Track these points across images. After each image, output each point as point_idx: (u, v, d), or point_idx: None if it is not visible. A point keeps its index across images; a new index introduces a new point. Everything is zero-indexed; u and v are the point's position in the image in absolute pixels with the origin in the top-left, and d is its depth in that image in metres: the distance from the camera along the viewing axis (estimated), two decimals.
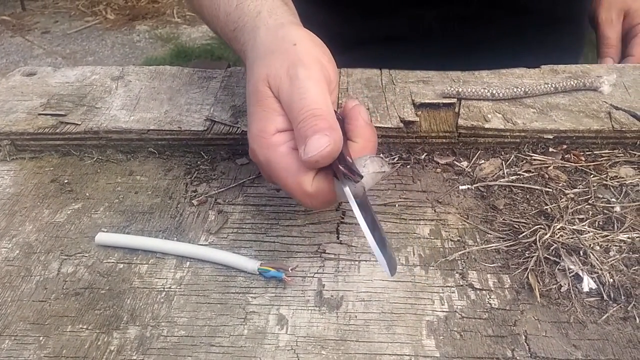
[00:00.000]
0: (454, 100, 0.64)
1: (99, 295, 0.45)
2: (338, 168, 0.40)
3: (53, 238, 0.51)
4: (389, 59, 0.71)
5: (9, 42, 3.88)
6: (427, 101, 0.64)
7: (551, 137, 0.60)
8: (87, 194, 0.56)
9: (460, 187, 0.57)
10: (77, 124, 0.62)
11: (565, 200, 0.54)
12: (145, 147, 0.62)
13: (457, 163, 0.60)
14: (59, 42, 3.92)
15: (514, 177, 0.57)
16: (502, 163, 0.60)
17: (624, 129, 0.59)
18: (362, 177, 0.39)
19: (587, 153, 0.60)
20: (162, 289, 0.45)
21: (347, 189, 0.39)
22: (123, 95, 0.67)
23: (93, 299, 0.45)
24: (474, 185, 0.57)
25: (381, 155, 0.47)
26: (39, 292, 0.46)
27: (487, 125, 0.60)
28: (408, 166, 0.60)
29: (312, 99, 0.41)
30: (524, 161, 0.60)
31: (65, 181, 0.58)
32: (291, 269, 0.45)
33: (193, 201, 0.55)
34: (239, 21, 0.51)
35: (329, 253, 0.49)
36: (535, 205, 0.53)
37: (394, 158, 0.61)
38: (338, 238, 0.50)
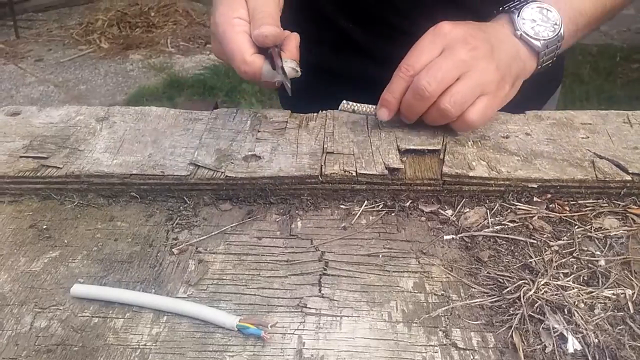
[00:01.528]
0: (438, 147, 0.64)
1: (71, 353, 0.44)
2: (274, 50, 0.59)
3: (28, 289, 0.50)
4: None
5: (2, 69, 3.89)
6: (412, 147, 0.64)
7: (535, 186, 0.60)
8: (66, 241, 0.55)
9: (445, 237, 0.56)
10: (59, 167, 0.61)
11: (550, 253, 0.53)
12: (128, 192, 0.61)
13: (441, 211, 0.60)
14: (51, 70, 3.93)
15: (498, 227, 0.57)
16: (486, 212, 0.59)
17: (607, 179, 0.59)
18: (283, 64, 0.60)
19: (572, 203, 0.60)
20: (137, 346, 0.44)
21: (268, 67, 0.59)
22: (107, 137, 0.67)
23: (65, 357, 0.43)
24: (459, 236, 0.56)
25: (297, 61, 0.62)
26: (10, 348, 0.44)
27: (471, 174, 0.60)
28: (392, 214, 0.59)
29: (271, 10, 0.61)
30: (509, 210, 0.59)
31: (44, 227, 0.57)
32: (271, 326, 0.44)
33: (173, 250, 0.54)
34: None
35: (310, 308, 0.48)
36: (520, 258, 0.53)
37: (379, 205, 0.61)
38: (320, 291, 0.50)
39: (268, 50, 0.60)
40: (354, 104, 0.67)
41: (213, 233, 0.57)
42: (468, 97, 0.62)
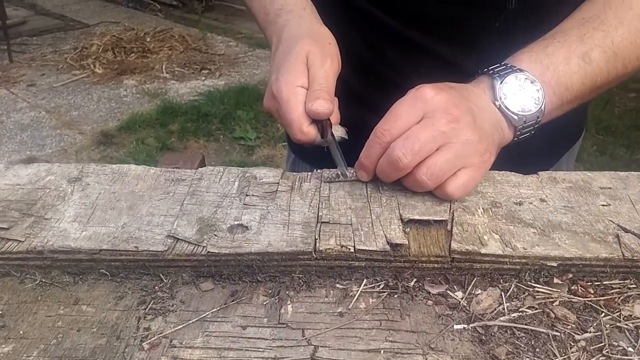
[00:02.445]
0: (445, 217, 0.57)
1: None
2: (327, 121, 0.63)
3: None
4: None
5: None
6: (416, 217, 0.57)
7: (555, 264, 0.53)
8: (22, 332, 0.48)
9: (455, 327, 0.49)
10: (20, 241, 0.54)
11: (577, 350, 0.46)
12: (97, 269, 0.54)
13: (450, 293, 0.53)
14: (44, 95, 3.88)
15: (515, 315, 0.50)
16: (501, 294, 0.53)
17: (635, 257, 0.53)
18: (333, 135, 0.65)
19: (596, 284, 0.54)
20: None
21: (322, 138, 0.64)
22: (78, 202, 0.60)
23: None
24: (471, 325, 0.49)
25: (346, 128, 0.66)
26: None
27: (483, 250, 0.53)
28: (395, 295, 0.53)
29: (328, 83, 0.64)
30: (526, 293, 0.53)
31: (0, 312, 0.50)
32: None
33: (144, 344, 0.47)
34: (285, 5, 0.73)
35: None
36: (542, 357, 0.46)
37: (380, 284, 0.54)
38: None
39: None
40: (335, 171, 0.64)
41: (191, 321, 0.50)
42: (446, 170, 0.57)
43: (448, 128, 0.56)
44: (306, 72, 0.64)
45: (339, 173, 0.63)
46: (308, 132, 0.63)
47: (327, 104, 0.61)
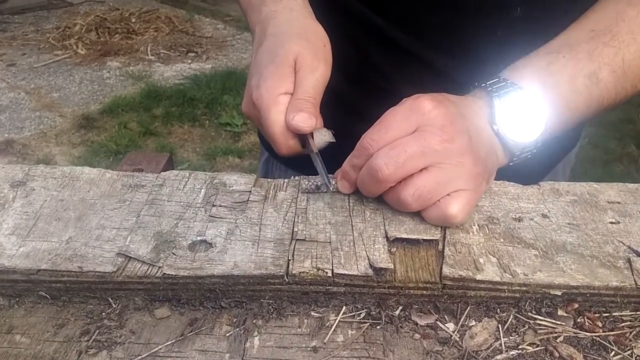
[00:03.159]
0: (437, 236, 0.51)
1: None
2: (310, 135, 0.57)
3: None
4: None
5: None
6: (404, 235, 0.51)
7: (559, 293, 0.47)
8: None
9: None
10: None
11: None
12: (35, 291, 0.47)
13: (440, 324, 0.47)
14: (24, 75, 3.75)
15: (514, 353, 0.44)
16: (498, 327, 0.46)
17: None
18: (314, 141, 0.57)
19: (605, 315, 0.47)
20: None
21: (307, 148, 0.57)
22: (19, 211, 0.53)
23: None
24: None
25: (331, 131, 0.58)
26: None
27: (479, 277, 0.47)
28: (378, 327, 0.46)
29: (316, 93, 0.57)
30: (526, 326, 0.46)
31: None
32: None
33: None
34: None
35: None
36: None
37: (360, 313, 0.47)
38: None
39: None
40: (314, 179, 0.57)
41: (141, 356, 0.43)
42: (435, 193, 0.50)
43: (441, 147, 0.49)
44: (292, 77, 0.57)
45: (319, 184, 0.56)
46: (292, 146, 0.57)
47: (309, 120, 0.55)
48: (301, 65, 0.57)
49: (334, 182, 0.55)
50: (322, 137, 0.57)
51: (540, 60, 0.59)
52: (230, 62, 3.94)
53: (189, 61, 3.94)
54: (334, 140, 0.58)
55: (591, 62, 0.58)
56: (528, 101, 0.55)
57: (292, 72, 0.57)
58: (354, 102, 0.73)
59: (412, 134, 0.50)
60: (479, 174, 0.52)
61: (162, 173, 0.59)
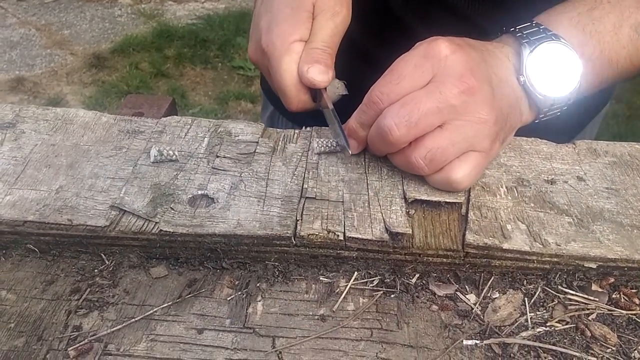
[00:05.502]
0: (460, 199, 0.46)
1: None
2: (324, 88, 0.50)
3: None
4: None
5: None
6: (424, 197, 0.46)
7: (594, 266, 0.43)
8: None
9: (465, 342, 0.39)
10: None
11: None
12: (23, 243, 0.44)
13: (461, 295, 0.43)
14: (34, 11, 3.65)
15: (541, 330, 0.40)
16: (524, 300, 0.42)
17: None
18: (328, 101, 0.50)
19: None
20: None
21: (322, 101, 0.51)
22: (7, 155, 0.48)
23: None
24: (485, 342, 0.39)
25: (344, 82, 0.52)
26: None
27: (505, 245, 0.42)
28: (392, 295, 0.42)
29: (334, 43, 0.51)
30: (555, 300, 0.42)
31: None
32: None
33: (70, 351, 0.37)
34: None
35: None
36: None
37: (374, 280, 0.44)
38: None
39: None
40: (327, 140, 0.51)
41: (134, 319, 0.40)
42: (450, 154, 0.44)
43: (459, 101, 0.43)
44: (309, 22, 0.51)
45: (335, 145, 0.50)
46: (306, 101, 0.51)
47: (326, 73, 0.49)
48: (321, 10, 0.51)
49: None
50: (335, 90, 0.51)
51: (581, 5, 0.52)
52: (244, 2, 3.80)
53: (202, 0, 3.81)
54: (347, 93, 0.52)
55: (639, 10, 0.51)
56: (562, 51, 0.49)
57: (309, 17, 0.51)
58: (368, 49, 0.66)
59: (426, 86, 0.44)
60: (497, 134, 0.46)
61: (162, 119, 0.54)
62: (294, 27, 0.50)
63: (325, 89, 0.50)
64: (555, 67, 0.49)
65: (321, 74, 0.49)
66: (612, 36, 0.51)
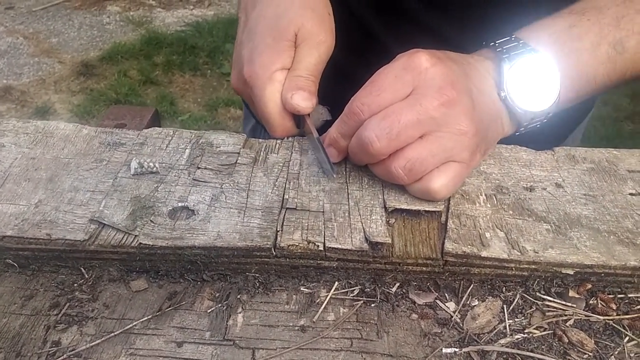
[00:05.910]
0: (440, 207, 0.46)
1: None
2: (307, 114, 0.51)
3: None
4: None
5: None
6: (404, 206, 0.46)
7: (572, 272, 0.43)
8: None
9: (444, 351, 0.40)
10: None
11: None
12: (2, 258, 0.43)
13: (440, 304, 0.43)
14: (22, 19, 3.64)
15: (520, 337, 0.40)
16: (502, 308, 0.43)
17: None
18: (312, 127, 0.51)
19: (619, 296, 0.44)
20: None
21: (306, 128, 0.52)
22: None
23: None
24: (464, 350, 0.40)
25: (327, 107, 0.53)
26: None
27: (484, 253, 0.43)
28: (373, 304, 0.43)
29: (317, 68, 0.52)
30: (534, 307, 0.43)
31: None
32: None
33: None
34: None
35: None
36: None
37: (354, 289, 0.44)
38: None
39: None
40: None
41: (113, 333, 0.39)
42: (429, 164, 0.45)
43: (439, 113, 0.43)
44: (290, 51, 0.51)
45: (319, 170, 0.50)
46: (290, 127, 0.52)
47: (309, 100, 0.50)
48: (304, 39, 0.51)
49: (337, 170, 0.49)
50: (319, 116, 0.52)
51: (561, 22, 0.52)
52: (233, 9, 3.80)
53: (191, 7, 3.81)
54: (331, 118, 0.51)
55: (618, 29, 0.52)
56: (541, 66, 0.49)
57: (291, 45, 0.51)
58: (350, 71, 0.66)
59: (407, 99, 0.44)
60: (477, 145, 0.46)
61: (144, 130, 0.54)
62: (276, 56, 0.50)
63: (309, 115, 0.51)
64: (534, 82, 0.49)
65: (305, 101, 0.49)
66: (591, 53, 0.52)
